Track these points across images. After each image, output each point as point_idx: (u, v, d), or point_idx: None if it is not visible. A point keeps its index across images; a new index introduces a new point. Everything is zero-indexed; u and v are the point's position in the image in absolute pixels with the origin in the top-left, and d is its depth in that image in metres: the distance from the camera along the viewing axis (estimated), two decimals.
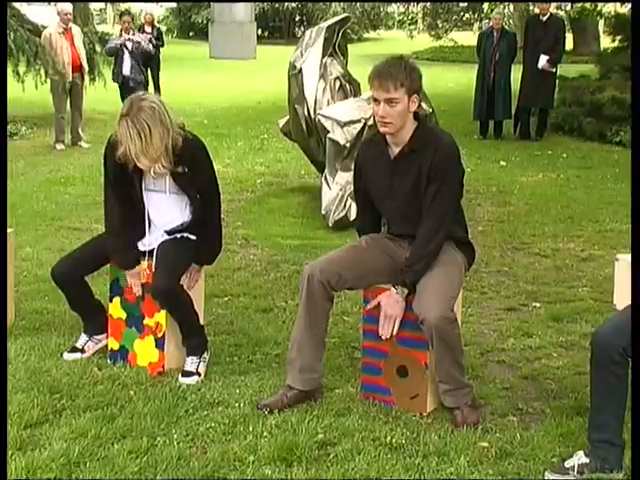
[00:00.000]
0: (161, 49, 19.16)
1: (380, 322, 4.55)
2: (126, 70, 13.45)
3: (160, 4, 37.13)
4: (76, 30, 13.82)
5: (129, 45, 13.48)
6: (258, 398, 4.65)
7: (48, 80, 14.57)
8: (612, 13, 19.17)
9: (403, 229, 4.71)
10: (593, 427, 3.98)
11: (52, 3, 17.92)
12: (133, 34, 13.69)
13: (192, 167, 4.96)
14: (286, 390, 4.62)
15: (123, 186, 5.07)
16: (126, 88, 13.50)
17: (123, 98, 13.66)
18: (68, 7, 14.02)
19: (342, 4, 27.92)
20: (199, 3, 41.17)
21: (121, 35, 13.48)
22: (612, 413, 3.94)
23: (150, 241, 5.09)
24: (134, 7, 48.63)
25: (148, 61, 18.71)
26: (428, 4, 35.44)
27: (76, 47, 13.61)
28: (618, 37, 16.02)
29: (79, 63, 13.63)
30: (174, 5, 43.46)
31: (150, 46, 13.87)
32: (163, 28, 19.98)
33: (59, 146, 13.58)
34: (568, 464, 3.93)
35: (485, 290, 6.73)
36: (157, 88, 17.93)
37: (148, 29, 18.87)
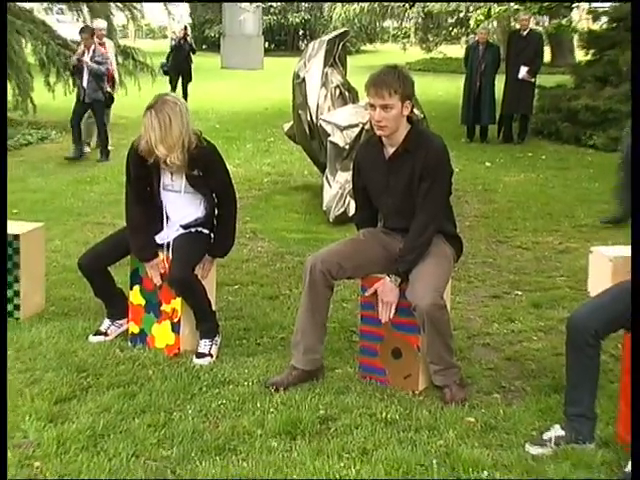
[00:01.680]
0: (193, 58, 19.30)
1: (379, 308, 4.55)
2: (84, 84, 12.36)
3: (177, 19, 36.94)
4: (109, 44, 13.53)
5: (85, 62, 12.37)
6: (265, 377, 4.65)
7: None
8: (585, 29, 19.16)
9: (397, 223, 4.70)
10: (569, 403, 4.01)
11: (80, 19, 17.72)
12: (94, 50, 12.42)
13: (206, 170, 4.98)
14: (291, 370, 4.62)
15: (143, 186, 5.09)
16: (83, 103, 12.52)
17: (74, 112, 12.74)
18: (103, 24, 13.91)
19: (341, 19, 27.89)
20: (212, 19, 41.07)
21: (83, 52, 12.41)
22: (586, 390, 3.96)
23: (167, 235, 5.10)
24: (154, 22, 48.36)
25: (182, 69, 18.50)
26: (420, 20, 35.32)
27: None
28: (591, 51, 16.02)
29: (111, 74, 13.18)
30: (189, 20, 43.33)
31: (102, 67, 12.45)
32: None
33: (86, 148, 13.48)
34: (546, 436, 3.95)
35: (472, 280, 6.72)
36: (185, 96, 17.73)
37: (183, 42, 18.96)
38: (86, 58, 12.27)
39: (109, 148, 12.87)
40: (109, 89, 12.89)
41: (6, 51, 11.94)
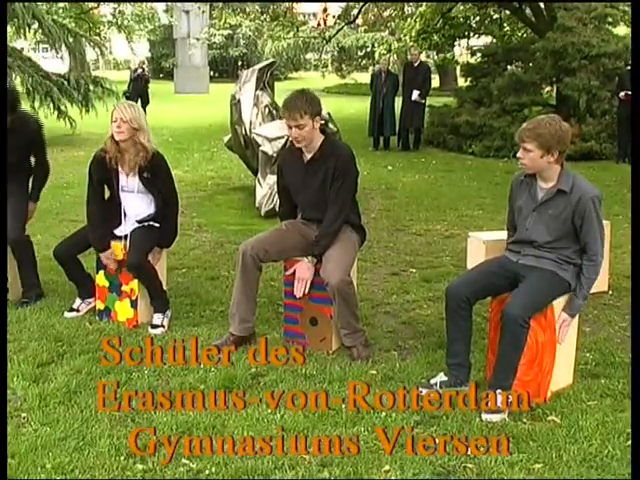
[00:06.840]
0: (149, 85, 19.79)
1: (295, 284, 4.53)
2: None
3: (137, 53, 36.01)
4: None
5: None
6: (208, 343, 4.61)
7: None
8: (465, 62, 19.40)
9: (313, 215, 4.67)
10: (449, 355, 4.06)
11: (59, 55, 17.04)
12: None
13: (155, 173, 4.93)
14: (229, 336, 4.58)
15: (103, 188, 5.03)
16: None
17: None
18: None
19: (272, 52, 27.48)
20: (167, 53, 40.44)
21: None
22: (462, 344, 4.02)
23: (125, 228, 5.02)
24: (119, 56, 47.26)
25: (141, 94, 18.45)
26: (335, 53, 35.25)
27: None
28: (469, 78, 16.26)
29: None
30: (149, 55, 42.50)
31: None
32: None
33: None
34: (432, 381, 4.00)
35: (376, 260, 6.74)
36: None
37: (141, 72, 19.48)
38: None
39: None
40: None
41: (6, 51, 11.16)
